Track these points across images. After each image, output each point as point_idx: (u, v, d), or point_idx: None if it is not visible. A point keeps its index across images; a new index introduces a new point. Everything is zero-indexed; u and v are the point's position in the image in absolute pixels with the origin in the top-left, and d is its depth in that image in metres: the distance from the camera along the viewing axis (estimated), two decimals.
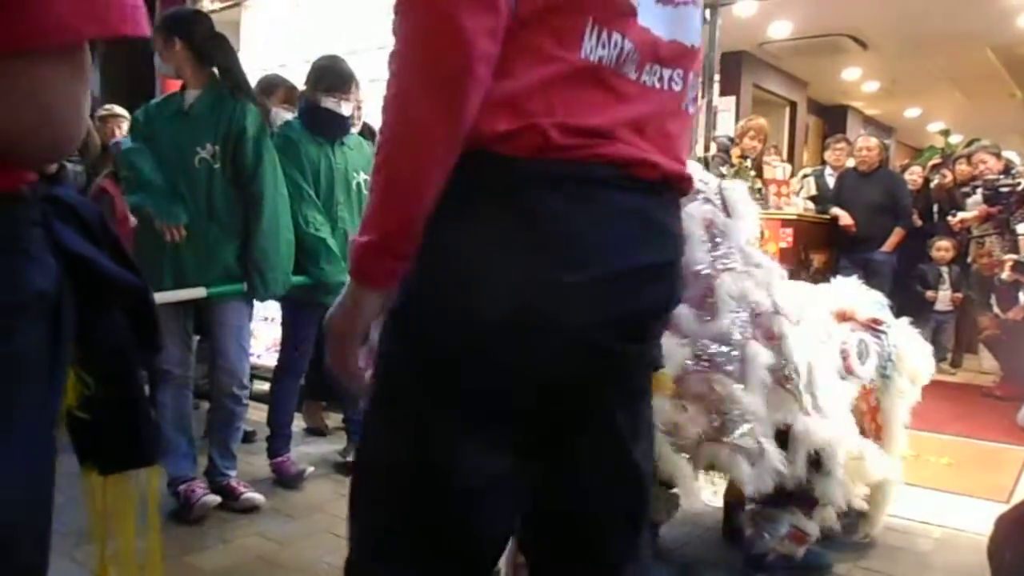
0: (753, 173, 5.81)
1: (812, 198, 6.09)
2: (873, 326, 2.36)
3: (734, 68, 7.86)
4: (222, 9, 6.23)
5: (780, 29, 7.59)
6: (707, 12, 5.72)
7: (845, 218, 5.73)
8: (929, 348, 2.56)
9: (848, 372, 2.25)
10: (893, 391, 2.39)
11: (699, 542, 2.62)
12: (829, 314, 2.36)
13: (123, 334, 0.92)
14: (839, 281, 2.56)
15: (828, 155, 6.36)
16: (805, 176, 6.44)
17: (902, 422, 2.46)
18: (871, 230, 5.70)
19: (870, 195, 5.78)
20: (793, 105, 9.77)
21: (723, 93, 6.48)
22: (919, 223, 6.21)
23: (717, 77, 5.94)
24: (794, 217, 5.48)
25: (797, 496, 2.14)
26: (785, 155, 8.67)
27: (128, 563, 1.11)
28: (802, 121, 9.98)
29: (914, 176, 6.61)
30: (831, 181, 6.13)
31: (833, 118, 10.74)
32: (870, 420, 2.37)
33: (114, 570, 1.11)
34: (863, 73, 9.35)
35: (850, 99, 10.70)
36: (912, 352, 2.45)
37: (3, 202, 0.68)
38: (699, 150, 5.20)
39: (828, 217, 5.81)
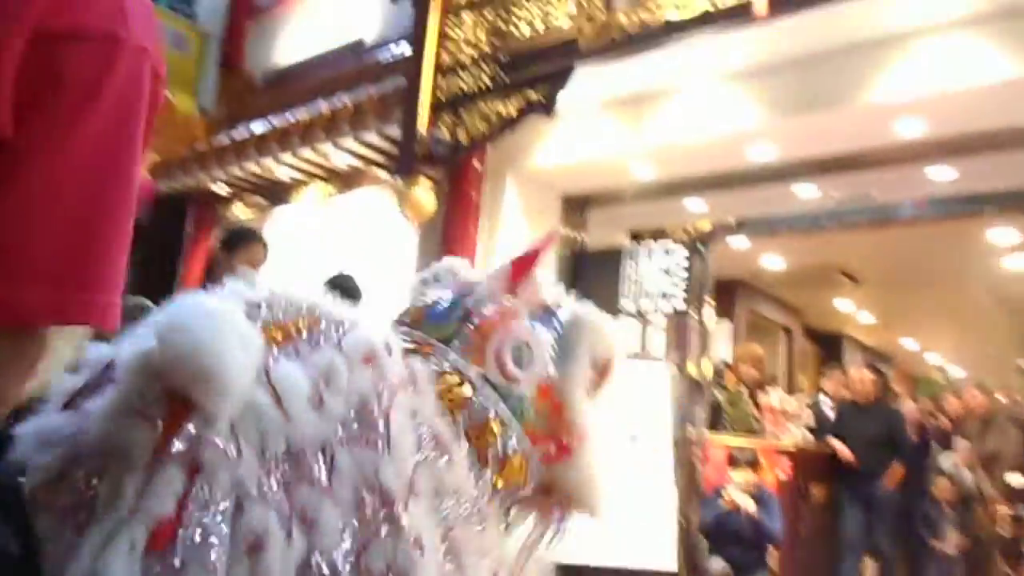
0: (749, 400, 5.84)
1: (810, 429, 6.02)
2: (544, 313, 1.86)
3: (729, 294, 8.11)
4: (247, 220, 6.69)
5: (772, 262, 7.90)
6: (699, 244, 6.03)
7: (844, 452, 5.60)
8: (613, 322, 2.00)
9: (509, 379, 1.80)
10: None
11: None
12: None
13: None
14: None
15: (825, 384, 6.37)
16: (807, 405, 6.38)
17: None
18: (872, 464, 5.55)
19: (869, 428, 5.68)
20: (788, 331, 9.94)
21: (719, 316, 6.61)
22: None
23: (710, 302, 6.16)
24: (792, 448, 5.36)
25: None
26: (784, 380, 8.72)
27: None
28: (799, 346, 10.08)
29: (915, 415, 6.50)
30: (827, 410, 6.09)
31: (829, 345, 10.73)
32: (558, 417, 1.86)
33: None
34: (856, 305, 9.59)
35: (846, 327, 10.89)
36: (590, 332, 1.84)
37: None
38: (691, 370, 5.25)
39: (829, 449, 5.69)
